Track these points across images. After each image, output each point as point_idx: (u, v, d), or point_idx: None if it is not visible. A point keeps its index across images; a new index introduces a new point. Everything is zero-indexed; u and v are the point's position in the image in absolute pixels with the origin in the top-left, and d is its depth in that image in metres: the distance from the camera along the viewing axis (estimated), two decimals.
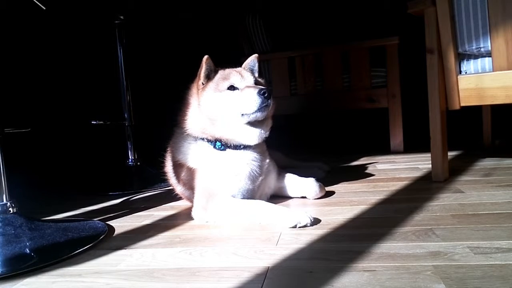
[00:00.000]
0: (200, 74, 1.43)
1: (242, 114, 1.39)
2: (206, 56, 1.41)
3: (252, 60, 1.55)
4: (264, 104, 1.37)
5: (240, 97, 1.39)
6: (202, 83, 1.44)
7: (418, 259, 0.89)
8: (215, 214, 1.36)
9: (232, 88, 1.41)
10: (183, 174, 1.54)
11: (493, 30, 1.48)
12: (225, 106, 1.39)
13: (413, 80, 2.91)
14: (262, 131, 1.44)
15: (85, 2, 2.23)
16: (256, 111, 1.37)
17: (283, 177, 1.61)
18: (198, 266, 0.97)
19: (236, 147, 1.44)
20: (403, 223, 1.16)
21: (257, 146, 1.49)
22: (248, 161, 1.43)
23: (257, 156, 1.46)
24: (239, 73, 1.45)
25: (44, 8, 1.41)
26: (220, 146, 1.44)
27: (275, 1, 3.71)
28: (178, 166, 1.56)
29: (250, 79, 1.45)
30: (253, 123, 1.42)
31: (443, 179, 1.68)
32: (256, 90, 1.36)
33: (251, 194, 1.46)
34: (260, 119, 1.42)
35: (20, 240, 1.17)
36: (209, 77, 1.44)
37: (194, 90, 1.47)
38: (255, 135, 1.42)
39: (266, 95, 1.36)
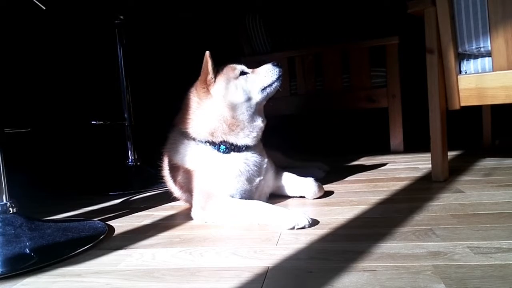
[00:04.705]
0: (207, 69, 1.43)
1: (262, 89, 1.47)
2: (208, 52, 1.42)
3: None
4: (280, 74, 1.49)
5: (257, 74, 1.49)
6: (211, 78, 1.44)
7: (418, 259, 0.89)
8: (214, 214, 1.36)
9: (243, 73, 1.49)
10: (180, 177, 1.52)
11: (493, 30, 1.48)
12: (247, 87, 1.46)
13: (413, 80, 2.91)
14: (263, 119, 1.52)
15: (85, 2, 2.23)
16: (276, 80, 1.49)
17: (282, 176, 1.61)
18: (198, 266, 0.97)
19: (239, 149, 1.45)
20: (403, 223, 1.16)
21: (256, 146, 1.50)
22: (248, 163, 1.44)
23: (257, 157, 1.47)
24: (240, 64, 1.53)
25: (44, 8, 1.41)
26: (224, 150, 1.44)
27: (275, 1, 3.71)
28: (175, 169, 1.54)
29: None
30: (259, 111, 1.50)
31: (443, 179, 1.68)
32: (270, 63, 1.50)
33: (249, 194, 1.46)
34: (273, 93, 1.51)
35: (20, 240, 1.17)
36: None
37: (200, 90, 1.45)
38: (261, 123, 1.49)
39: (279, 65, 1.50)
